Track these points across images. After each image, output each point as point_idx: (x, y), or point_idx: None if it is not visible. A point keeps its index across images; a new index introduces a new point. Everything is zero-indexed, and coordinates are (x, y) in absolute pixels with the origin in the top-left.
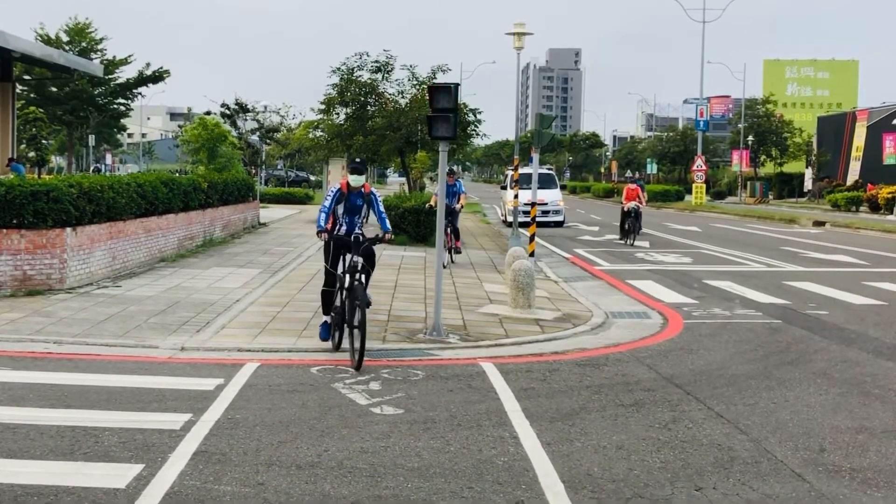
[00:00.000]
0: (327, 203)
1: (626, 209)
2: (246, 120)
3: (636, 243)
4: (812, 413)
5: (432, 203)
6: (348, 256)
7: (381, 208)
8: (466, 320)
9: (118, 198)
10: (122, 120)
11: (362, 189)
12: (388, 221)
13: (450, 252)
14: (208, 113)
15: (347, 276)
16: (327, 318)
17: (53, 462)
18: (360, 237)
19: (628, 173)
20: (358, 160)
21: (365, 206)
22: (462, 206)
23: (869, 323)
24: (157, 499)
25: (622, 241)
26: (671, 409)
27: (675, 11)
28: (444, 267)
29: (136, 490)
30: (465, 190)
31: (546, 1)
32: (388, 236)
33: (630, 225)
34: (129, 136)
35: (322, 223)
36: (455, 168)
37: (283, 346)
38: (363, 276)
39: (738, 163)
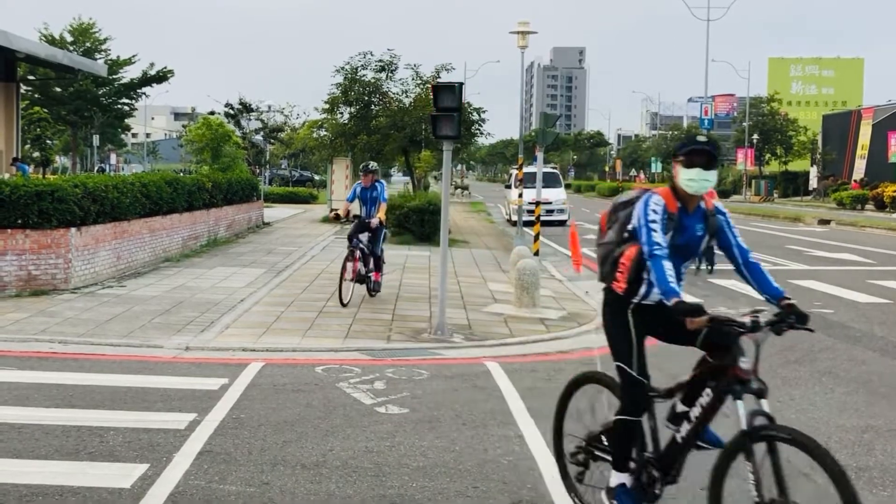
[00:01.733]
0: (656, 234)
1: None
2: (250, 120)
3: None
4: (817, 412)
5: (340, 212)
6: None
7: (743, 241)
8: (471, 320)
9: (122, 198)
10: (126, 120)
11: (701, 204)
12: (772, 279)
13: (364, 281)
14: (212, 113)
15: (695, 412)
16: (625, 480)
17: (58, 462)
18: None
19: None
20: (708, 142)
21: (706, 238)
22: (382, 221)
23: (874, 321)
24: (162, 499)
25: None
26: None
27: (679, 10)
28: (344, 306)
29: (140, 490)
30: (387, 197)
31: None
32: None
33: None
34: (134, 135)
35: (672, 283)
36: (371, 165)
37: (288, 345)
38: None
39: (743, 161)
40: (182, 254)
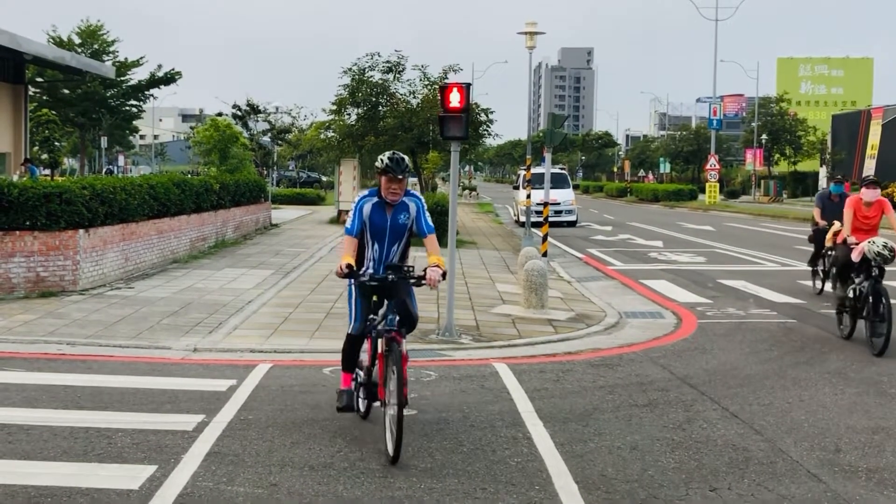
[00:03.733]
0: None
1: (856, 254)
2: (257, 121)
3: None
4: (827, 413)
5: (348, 260)
6: None
7: None
8: (479, 321)
9: (130, 199)
10: (134, 121)
11: None
12: None
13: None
14: (220, 114)
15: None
16: None
17: (67, 463)
18: None
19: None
20: None
21: None
22: (444, 273)
23: None
24: (171, 500)
25: (841, 334)
26: (685, 410)
27: (687, 10)
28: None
29: (149, 491)
30: (433, 225)
31: (558, 0)
32: None
33: (867, 295)
34: (142, 137)
35: None
36: (404, 158)
37: (296, 346)
38: None
39: (752, 162)
40: (190, 255)
